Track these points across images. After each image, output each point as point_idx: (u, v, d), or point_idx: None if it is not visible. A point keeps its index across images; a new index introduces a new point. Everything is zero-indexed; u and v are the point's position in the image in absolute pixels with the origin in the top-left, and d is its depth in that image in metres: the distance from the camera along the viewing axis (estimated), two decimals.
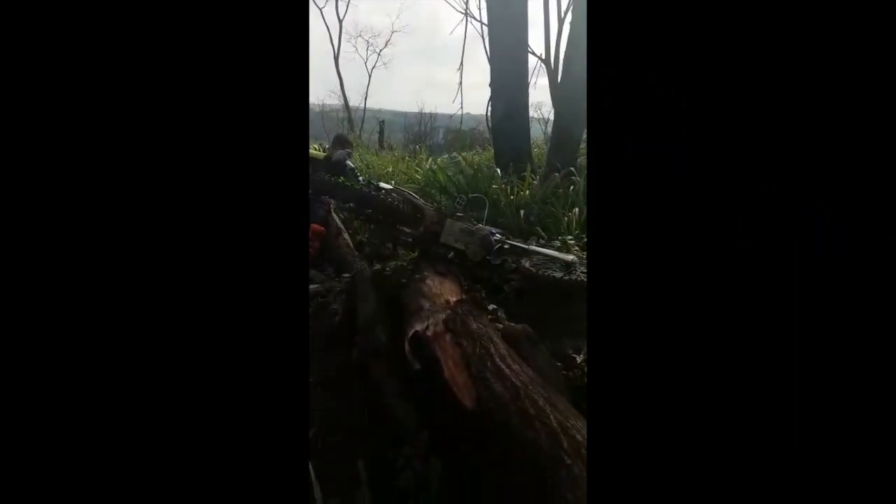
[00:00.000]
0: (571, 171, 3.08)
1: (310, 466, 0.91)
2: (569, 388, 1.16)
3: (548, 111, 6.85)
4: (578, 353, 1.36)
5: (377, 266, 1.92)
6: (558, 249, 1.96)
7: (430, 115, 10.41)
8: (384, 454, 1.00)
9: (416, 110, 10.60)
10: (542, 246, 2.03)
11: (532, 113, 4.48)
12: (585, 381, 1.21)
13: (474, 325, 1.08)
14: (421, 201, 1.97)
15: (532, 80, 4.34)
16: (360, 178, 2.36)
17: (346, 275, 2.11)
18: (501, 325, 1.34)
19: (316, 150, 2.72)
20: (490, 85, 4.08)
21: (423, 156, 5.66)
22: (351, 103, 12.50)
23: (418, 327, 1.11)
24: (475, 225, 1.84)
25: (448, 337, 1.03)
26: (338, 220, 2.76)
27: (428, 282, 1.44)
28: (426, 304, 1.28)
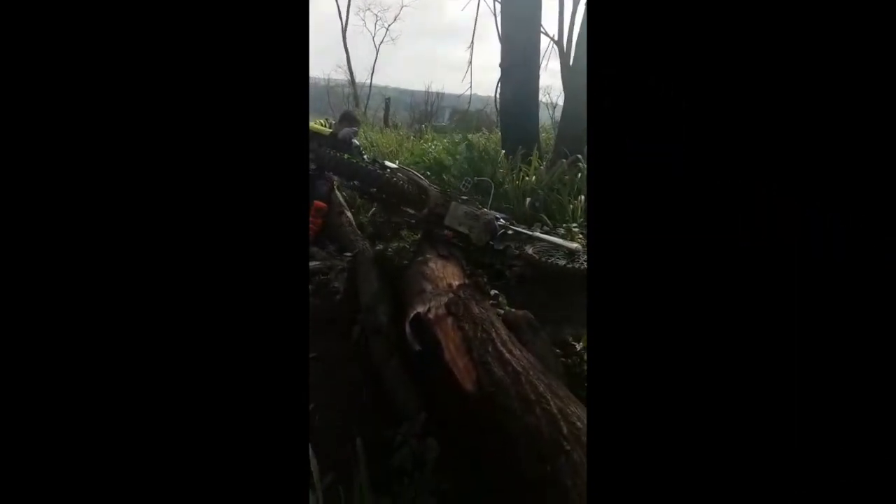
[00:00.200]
0: (578, 158, 3.04)
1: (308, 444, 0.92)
2: (567, 375, 1.17)
3: (556, 95, 6.74)
4: (578, 341, 1.36)
5: (379, 246, 1.91)
6: (562, 237, 1.95)
7: (437, 94, 10.25)
8: (382, 433, 1.01)
9: (423, 89, 10.42)
10: (547, 233, 2.02)
11: (540, 97, 4.39)
12: (584, 368, 1.22)
13: (476, 310, 1.07)
14: (426, 182, 1.95)
15: (543, 63, 4.25)
16: (366, 156, 2.33)
17: (348, 253, 2.10)
18: (503, 311, 1.34)
19: (322, 125, 2.66)
20: (500, 65, 3.99)
21: (429, 136, 5.59)
22: (357, 79, 12.26)
23: (420, 309, 1.11)
24: (480, 209, 1.82)
25: (450, 320, 1.03)
26: (341, 198, 2.74)
27: (430, 264, 1.43)
28: (428, 287, 1.27)
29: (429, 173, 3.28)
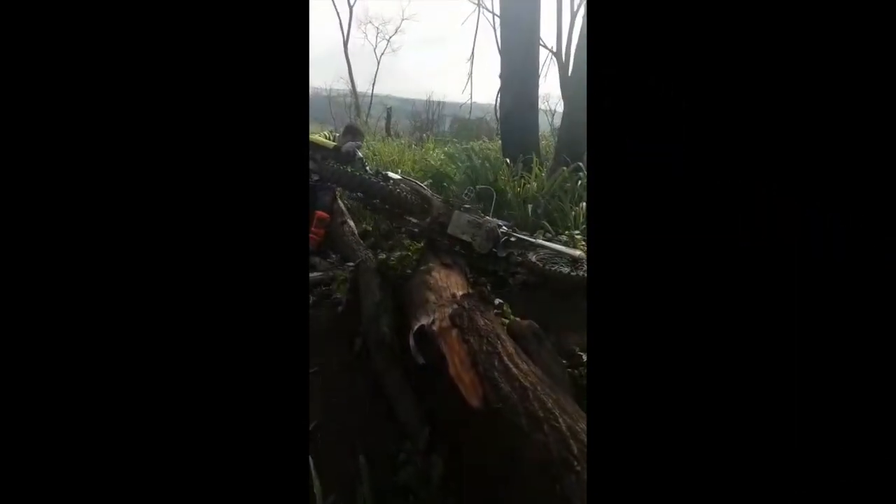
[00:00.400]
0: (579, 165, 3.04)
1: (310, 460, 0.89)
2: (574, 387, 1.14)
3: (555, 103, 6.79)
4: (584, 352, 1.34)
5: (382, 255, 1.90)
6: (565, 244, 1.94)
7: (438, 103, 10.31)
8: (385, 449, 0.99)
9: (424, 98, 10.49)
10: (549, 240, 2.01)
11: (540, 105, 4.41)
12: None
13: (481, 322, 1.06)
14: (429, 192, 1.94)
15: (542, 72, 4.28)
16: (369, 169, 2.32)
17: (350, 263, 2.09)
18: (507, 321, 1.32)
19: (325, 137, 2.65)
20: (500, 76, 4.03)
21: (431, 144, 5.60)
22: (359, 89, 12.36)
23: (424, 321, 1.09)
24: (482, 217, 1.81)
25: (454, 333, 1.01)
26: (343, 208, 2.73)
27: (434, 274, 1.42)
28: (432, 297, 1.26)
29: (430, 181, 3.29)
